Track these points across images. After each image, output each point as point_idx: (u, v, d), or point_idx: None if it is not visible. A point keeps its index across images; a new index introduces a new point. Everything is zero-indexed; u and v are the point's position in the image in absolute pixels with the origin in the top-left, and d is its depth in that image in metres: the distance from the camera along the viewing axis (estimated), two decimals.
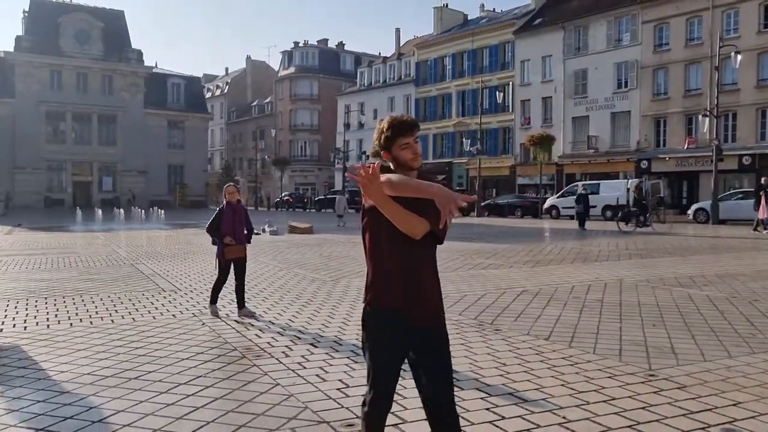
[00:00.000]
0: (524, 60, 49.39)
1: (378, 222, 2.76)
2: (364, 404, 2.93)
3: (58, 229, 27.78)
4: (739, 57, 29.89)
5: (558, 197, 36.30)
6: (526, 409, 4.35)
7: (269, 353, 5.90)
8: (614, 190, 32.32)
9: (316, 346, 6.16)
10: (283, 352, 5.95)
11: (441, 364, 2.85)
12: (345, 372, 5.25)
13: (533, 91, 48.65)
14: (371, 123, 61.84)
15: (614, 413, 4.27)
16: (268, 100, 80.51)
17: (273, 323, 7.33)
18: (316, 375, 5.17)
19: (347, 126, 62.52)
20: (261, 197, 66.98)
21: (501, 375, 5.16)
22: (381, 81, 64.18)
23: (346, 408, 4.35)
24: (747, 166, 36.56)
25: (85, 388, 4.85)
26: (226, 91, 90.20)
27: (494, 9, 60.62)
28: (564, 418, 4.18)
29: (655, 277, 11.10)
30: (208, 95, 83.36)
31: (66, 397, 4.63)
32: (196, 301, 8.85)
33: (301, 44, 76.46)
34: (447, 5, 61.12)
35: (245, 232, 8.21)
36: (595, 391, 4.75)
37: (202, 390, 4.79)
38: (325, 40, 79.23)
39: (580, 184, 35.06)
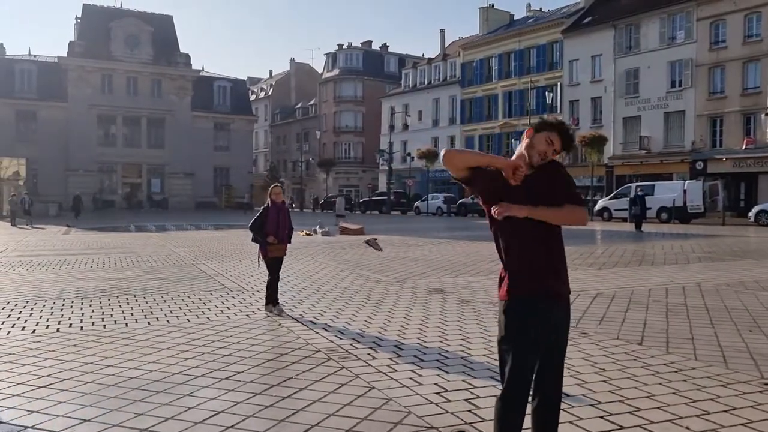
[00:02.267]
0: (573, 59, 48.57)
1: (515, 223, 2.91)
2: (503, 402, 2.93)
3: (112, 229, 28.30)
4: None
5: (610, 199, 35.50)
6: (643, 418, 4.09)
7: (355, 355, 5.74)
8: (670, 192, 31.43)
9: (401, 348, 5.99)
10: (368, 354, 5.79)
11: (564, 345, 3.07)
12: (438, 376, 5.06)
13: (582, 91, 47.79)
14: (416, 124, 61.65)
15: (740, 424, 3.99)
16: (312, 102, 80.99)
17: (348, 325, 7.18)
18: (410, 378, 4.99)
19: (392, 128, 62.48)
20: (304, 198, 67.32)
21: (604, 381, 4.91)
22: (426, 82, 63.92)
23: (452, 413, 4.16)
24: None
25: (178, 388, 4.77)
26: (270, 93, 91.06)
27: (541, 8, 59.83)
28: (687, 429, 3.92)
29: (733, 280, 10.65)
30: (252, 98, 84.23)
31: (162, 397, 4.55)
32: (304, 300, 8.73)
33: (345, 46, 76.75)
34: (493, 5, 60.52)
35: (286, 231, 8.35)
36: (711, 400, 4.47)
37: (296, 392, 4.66)
38: (369, 42, 79.37)
39: (633, 185, 34.30)
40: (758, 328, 6.85)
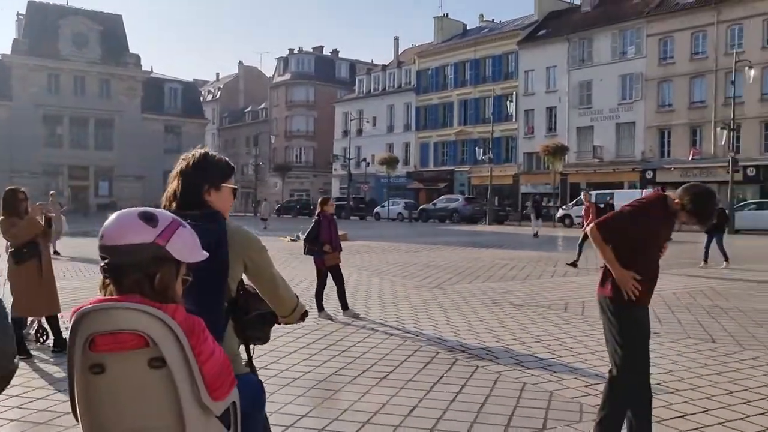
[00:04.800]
0: (528, 70, 50.22)
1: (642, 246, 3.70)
2: (634, 396, 3.65)
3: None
4: (752, 72, 30.89)
5: (573, 206, 37.00)
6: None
7: (485, 357, 6.27)
8: (629, 199, 32.92)
9: (514, 350, 6.56)
10: (495, 355, 6.33)
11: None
12: (576, 372, 5.65)
13: (537, 100, 49.48)
14: (371, 130, 62.25)
15: None
16: (262, 106, 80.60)
17: (458, 327, 7.69)
18: (551, 373, 5.56)
19: (345, 133, 62.88)
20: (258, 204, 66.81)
21: (710, 385, 5.59)
22: (380, 88, 64.66)
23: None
24: (752, 178, 37.65)
25: (346, 389, 5.19)
26: (218, 96, 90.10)
27: (493, 19, 61.50)
28: None
29: (744, 284, 11.66)
30: None
31: (333, 398, 4.97)
32: (365, 306, 9.03)
33: (296, 51, 76.75)
34: (447, 15, 61.86)
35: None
36: None
37: (461, 389, 5.16)
38: (321, 47, 79.62)
39: (594, 193, 35.85)
40: None
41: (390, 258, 16.86)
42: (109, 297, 1.71)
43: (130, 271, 1.69)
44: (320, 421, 4.37)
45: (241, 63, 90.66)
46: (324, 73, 75.91)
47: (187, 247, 1.75)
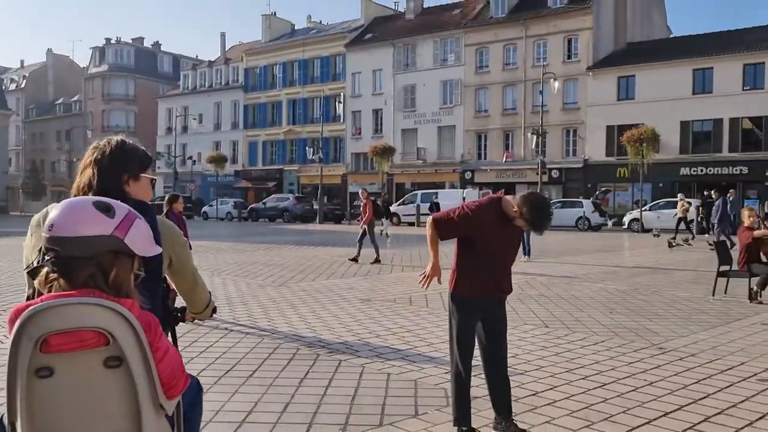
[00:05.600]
0: (355, 72, 51.38)
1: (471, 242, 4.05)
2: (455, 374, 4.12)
3: None
4: (556, 83, 34.09)
5: (399, 205, 38.42)
6: (608, 375, 5.43)
7: (346, 351, 6.41)
8: (452, 198, 35.03)
9: (372, 342, 6.77)
10: (355, 349, 6.49)
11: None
12: (434, 361, 5.98)
13: (364, 102, 50.78)
14: (197, 127, 60.17)
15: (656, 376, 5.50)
16: (75, 98, 74.79)
17: (312, 324, 7.72)
18: (412, 363, 5.84)
19: (169, 129, 60.25)
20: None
21: (552, 365, 6.20)
22: (206, 85, 62.73)
23: None
24: (556, 179, 41.52)
25: None
26: (23, 86, 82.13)
27: (321, 21, 62.13)
28: (645, 380, 5.32)
29: (547, 275, 12.89)
30: None
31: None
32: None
33: (113, 41, 72.17)
34: (275, 13, 61.46)
35: None
36: (639, 361, 5.98)
37: (330, 384, 5.27)
38: (141, 39, 75.58)
39: (419, 192, 37.72)
40: (613, 311, 8.76)
41: (227, 258, 16.53)
42: (63, 293, 1.59)
43: (83, 265, 1.59)
44: None
45: (50, 51, 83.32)
46: (145, 66, 72.21)
47: (144, 240, 1.69)
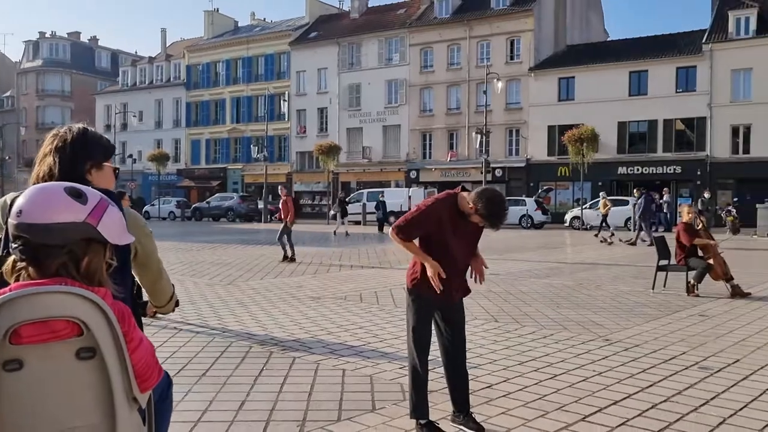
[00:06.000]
0: (300, 71, 51.03)
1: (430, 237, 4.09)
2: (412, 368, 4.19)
3: None
4: (499, 84, 34.64)
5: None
6: (559, 367, 5.56)
7: (299, 348, 6.37)
8: (398, 197, 35.24)
9: (325, 339, 6.76)
10: (308, 346, 6.46)
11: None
12: (388, 357, 6.00)
13: (309, 101, 50.48)
14: (137, 125, 58.65)
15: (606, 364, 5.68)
16: (7, 93, 71.94)
17: (263, 322, 7.63)
18: (366, 359, 5.85)
19: (108, 127, 58.56)
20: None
21: (504, 358, 6.32)
22: (147, 82, 61.21)
23: None
24: (499, 178, 42.16)
25: None
26: None
27: (265, 18, 61.47)
28: (594, 370, 5.48)
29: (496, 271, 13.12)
30: None
31: None
32: None
33: (48, 35, 69.71)
34: (218, 10, 60.43)
35: None
36: (585, 353, 6.14)
37: (285, 381, 5.23)
38: (77, 33, 73.16)
39: (365, 191, 37.71)
40: (557, 305, 8.97)
41: (172, 257, 16.16)
42: (33, 281, 1.53)
43: (54, 253, 1.53)
44: None
45: None
46: (82, 61, 70.03)
47: (117, 227, 1.64)
